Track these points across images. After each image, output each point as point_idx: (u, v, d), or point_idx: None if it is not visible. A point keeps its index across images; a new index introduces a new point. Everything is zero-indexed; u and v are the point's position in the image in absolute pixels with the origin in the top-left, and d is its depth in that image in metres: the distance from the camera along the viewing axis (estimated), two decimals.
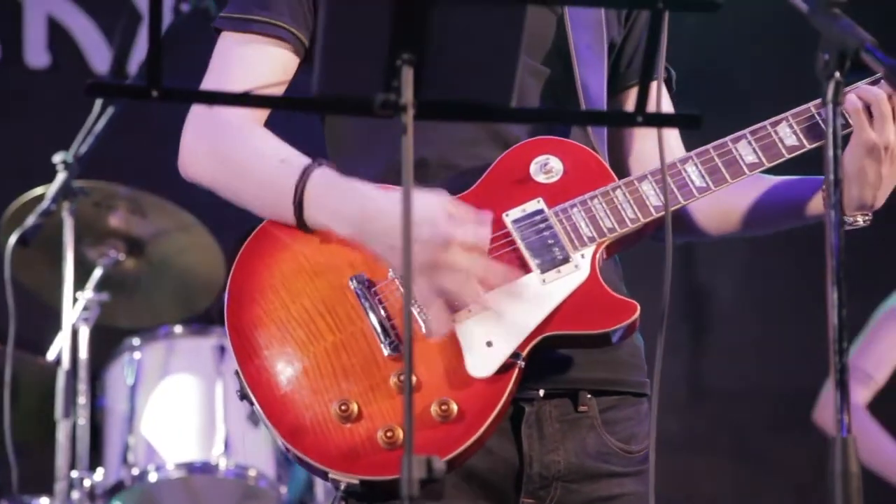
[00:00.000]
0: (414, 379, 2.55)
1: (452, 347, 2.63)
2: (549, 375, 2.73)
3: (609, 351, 2.76)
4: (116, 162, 5.89)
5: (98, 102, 5.21)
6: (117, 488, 5.34)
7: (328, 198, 2.65)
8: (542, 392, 2.74)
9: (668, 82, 2.95)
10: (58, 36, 7.04)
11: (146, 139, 6.40)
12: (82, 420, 5.22)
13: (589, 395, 2.78)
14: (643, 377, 2.86)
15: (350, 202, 2.63)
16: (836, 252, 2.13)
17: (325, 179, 2.66)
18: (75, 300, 5.24)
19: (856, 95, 2.72)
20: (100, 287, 5.43)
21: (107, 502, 5.31)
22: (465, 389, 2.61)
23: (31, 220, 5.03)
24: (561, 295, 2.65)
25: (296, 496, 5.68)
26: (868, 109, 2.72)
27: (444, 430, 2.59)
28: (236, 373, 2.66)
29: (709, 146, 2.77)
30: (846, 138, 2.73)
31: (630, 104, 2.96)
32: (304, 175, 2.66)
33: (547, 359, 2.68)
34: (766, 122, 2.78)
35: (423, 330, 2.64)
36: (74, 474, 5.17)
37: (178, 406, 5.51)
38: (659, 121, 2.43)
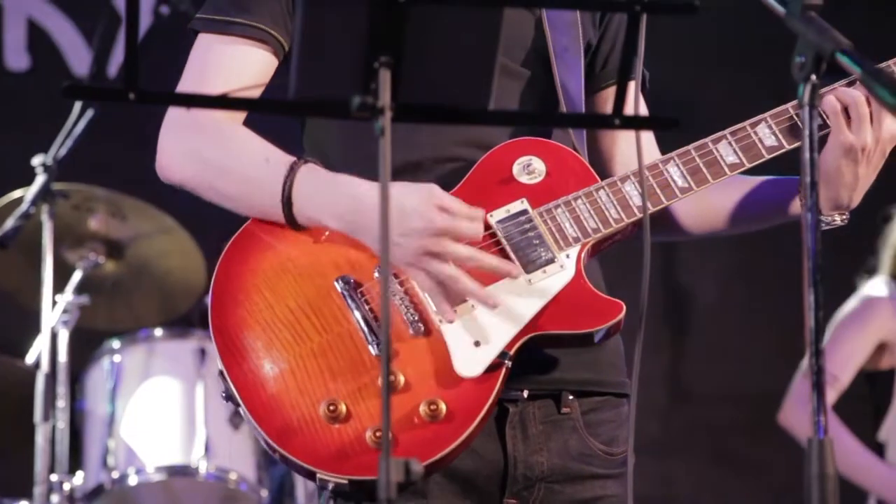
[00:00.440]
0: (402, 379, 2.57)
1: (440, 348, 2.64)
2: (533, 376, 2.74)
3: (591, 351, 2.77)
4: (96, 165, 5.88)
5: (77, 105, 5.20)
6: (97, 492, 5.32)
7: (317, 192, 2.65)
8: (526, 393, 2.75)
9: (641, 82, 2.96)
10: (37, 38, 7.02)
11: (126, 142, 6.38)
12: (62, 423, 5.21)
13: (571, 397, 2.79)
14: (624, 378, 2.87)
15: (340, 196, 2.64)
16: (812, 254, 2.14)
17: (314, 175, 2.67)
18: (54, 303, 5.23)
19: (834, 97, 2.73)
20: (79, 290, 5.41)
21: None
22: (453, 389, 2.62)
23: (9, 223, 5.01)
24: (547, 295, 2.67)
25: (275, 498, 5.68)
26: (846, 111, 2.73)
27: (432, 429, 2.60)
28: (221, 374, 2.66)
29: (690, 147, 2.78)
30: (824, 139, 2.74)
31: (606, 104, 2.97)
32: (292, 171, 2.66)
33: (531, 359, 2.69)
34: (745, 123, 2.79)
35: (411, 331, 2.65)
36: (54, 478, 5.15)
37: (158, 409, 5.50)
38: (636, 123, 2.44)
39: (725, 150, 2.77)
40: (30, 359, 5.36)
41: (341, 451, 2.58)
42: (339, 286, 2.67)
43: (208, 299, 2.70)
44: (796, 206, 2.87)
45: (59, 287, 5.26)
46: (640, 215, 2.72)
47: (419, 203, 2.59)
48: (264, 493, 5.48)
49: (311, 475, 2.61)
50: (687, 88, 6.73)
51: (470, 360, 2.62)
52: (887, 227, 5.42)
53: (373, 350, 2.63)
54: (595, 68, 2.97)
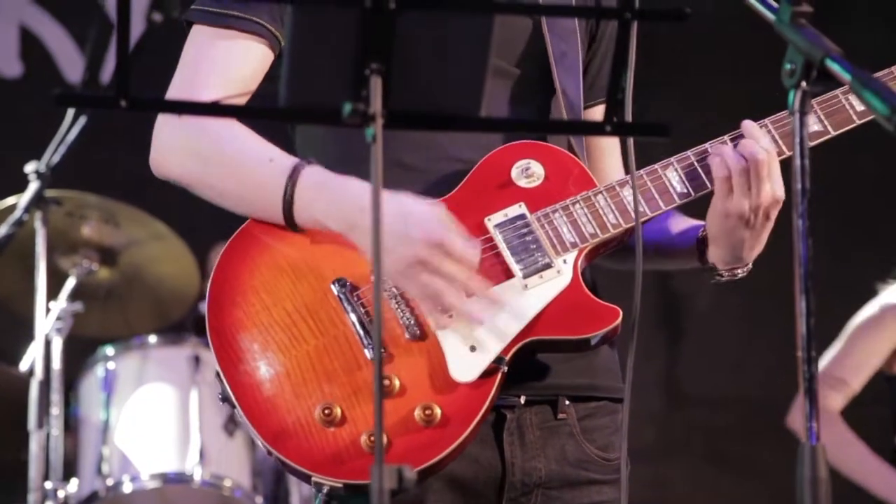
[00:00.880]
0: (397, 383, 2.57)
1: (436, 352, 2.63)
2: (529, 382, 2.73)
3: (587, 357, 2.78)
4: (89, 171, 5.87)
5: (70, 112, 5.20)
6: (91, 499, 5.32)
7: (319, 195, 2.65)
8: (522, 399, 2.74)
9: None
10: (30, 45, 7.02)
11: (119, 149, 6.39)
12: (56, 431, 5.20)
13: (567, 402, 2.79)
14: (620, 383, 2.86)
15: (341, 199, 2.63)
16: (804, 261, 2.13)
17: (316, 177, 2.66)
18: (48, 310, 5.23)
19: (721, 160, 2.71)
20: (73, 297, 5.41)
21: None
22: (448, 394, 2.61)
23: (2, 230, 5.01)
24: (544, 300, 2.66)
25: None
26: (729, 179, 2.71)
27: (427, 434, 2.59)
28: (217, 375, 2.65)
29: (689, 151, 2.78)
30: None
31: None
32: (295, 173, 2.66)
33: (527, 365, 2.69)
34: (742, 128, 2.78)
35: (407, 335, 2.65)
36: (48, 485, 5.14)
37: (152, 416, 5.50)
38: (627, 130, 2.43)
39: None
40: (24, 366, 5.35)
41: (336, 455, 2.58)
42: (335, 289, 2.67)
43: (205, 300, 2.69)
44: (692, 260, 2.86)
45: (52, 294, 5.26)
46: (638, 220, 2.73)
47: (422, 214, 2.59)
48: (259, 499, 5.48)
49: (306, 478, 2.61)
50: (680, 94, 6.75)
51: (465, 365, 2.62)
52: None
53: (368, 353, 2.62)
54: (585, 86, 2.97)
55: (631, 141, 2.69)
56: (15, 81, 7.01)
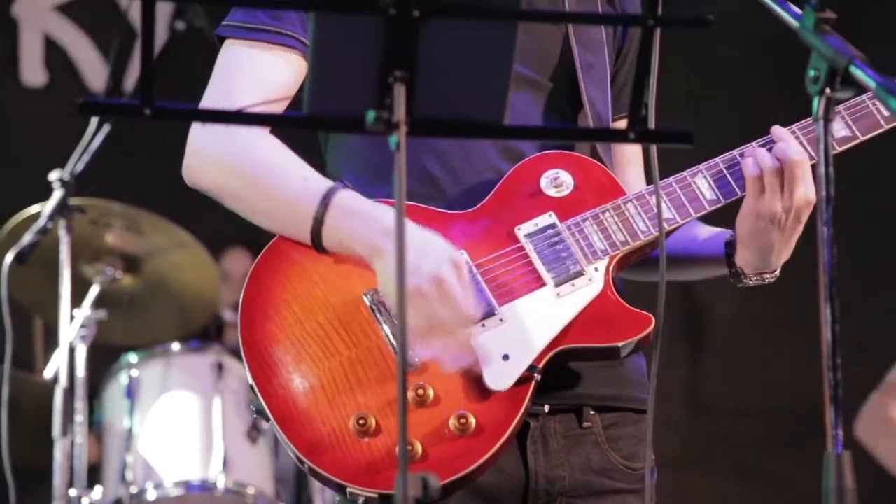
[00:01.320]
0: (431, 393, 2.57)
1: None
2: (554, 391, 2.73)
3: (613, 367, 2.77)
4: (113, 179, 5.89)
5: (94, 120, 5.21)
6: None
7: (349, 221, 2.65)
8: (547, 408, 2.75)
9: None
10: (54, 54, 7.05)
11: (142, 157, 6.42)
12: (80, 438, 5.21)
13: (592, 412, 2.79)
14: (645, 394, 2.85)
15: (371, 226, 2.63)
16: (828, 269, 2.13)
17: (348, 202, 2.66)
18: (72, 318, 5.23)
19: (753, 160, 2.72)
20: (97, 305, 5.41)
21: None
22: (482, 403, 2.61)
23: (27, 238, 5.02)
24: (576, 308, 2.67)
25: None
26: (762, 178, 2.72)
27: (462, 443, 2.59)
28: (251, 388, 2.66)
29: (717, 159, 2.78)
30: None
31: None
32: (328, 196, 2.66)
33: (552, 374, 2.68)
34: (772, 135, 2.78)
35: None
36: (73, 493, 5.15)
37: (176, 424, 5.51)
38: (651, 137, 2.43)
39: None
40: (48, 374, 5.36)
41: (371, 466, 2.58)
42: (367, 300, 2.67)
43: (238, 314, 2.70)
44: (719, 266, 2.87)
45: (76, 302, 5.26)
46: (668, 228, 2.73)
47: (440, 251, 2.59)
48: None
49: (341, 489, 2.60)
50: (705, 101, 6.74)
51: (499, 374, 2.62)
52: None
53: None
54: (612, 98, 2.96)
55: (654, 149, 2.68)
56: (39, 90, 7.05)
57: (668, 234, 2.74)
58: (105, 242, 5.55)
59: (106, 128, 5.20)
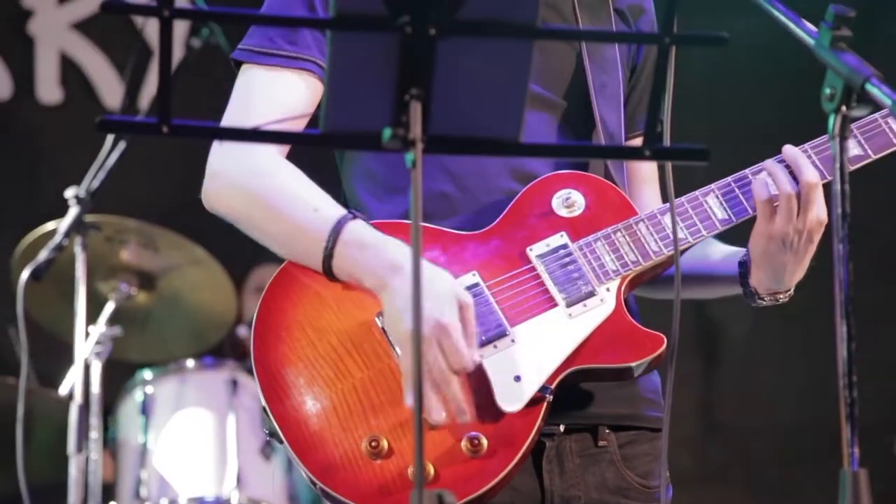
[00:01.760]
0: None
1: (481, 382, 2.62)
2: (570, 410, 2.73)
3: (627, 386, 2.77)
4: (128, 196, 5.91)
5: (110, 137, 5.23)
6: None
7: (359, 253, 2.64)
8: (562, 427, 2.74)
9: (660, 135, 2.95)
10: (70, 71, 7.07)
11: (158, 174, 6.43)
12: (95, 455, 5.22)
13: (608, 430, 2.79)
14: (660, 413, 2.85)
15: (379, 261, 2.62)
16: (844, 286, 2.13)
17: (357, 235, 2.65)
18: (87, 334, 5.24)
19: (763, 184, 2.72)
20: (112, 321, 5.43)
21: None
22: (494, 424, 2.61)
23: (42, 256, 5.03)
24: (588, 328, 2.66)
25: None
26: (772, 202, 2.71)
27: (474, 465, 2.59)
28: (264, 410, 2.65)
29: (729, 178, 2.78)
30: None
31: None
32: (338, 227, 2.65)
33: (567, 394, 2.68)
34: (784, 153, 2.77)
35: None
36: None
37: (190, 440, 5.52)
38: (667, 155, 2.43)
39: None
40: (63, 390, 5.38)
41: (384, 487, 2.58)
42: (379, 322, 2.66)
43: (251, 336, 2.70)
44: (733, 286, 2.86)
45: (91, 318, 5.28)
46: (681, 247, 2.73)
47: (447, 291, 2.56)
48: None
49: None
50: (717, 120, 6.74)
51: (511, 395, 2.61)
52: None
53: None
54: (625, 117, 2.96)
55: (669, 166, 2.68)
56: (55, 107, 7.06)
57: (681, 253, 2.74)
58: (120, 259, 5.57)
59: (121, 145, 5.22)
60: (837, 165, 2.15)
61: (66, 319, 5.23)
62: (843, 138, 2.15)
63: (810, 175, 2.69)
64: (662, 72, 2.18)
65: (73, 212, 5.13)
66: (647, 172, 3.02)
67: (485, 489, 2.57)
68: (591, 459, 2.77)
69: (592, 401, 2.76)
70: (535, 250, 2.72)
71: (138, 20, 6.94)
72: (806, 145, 2.78)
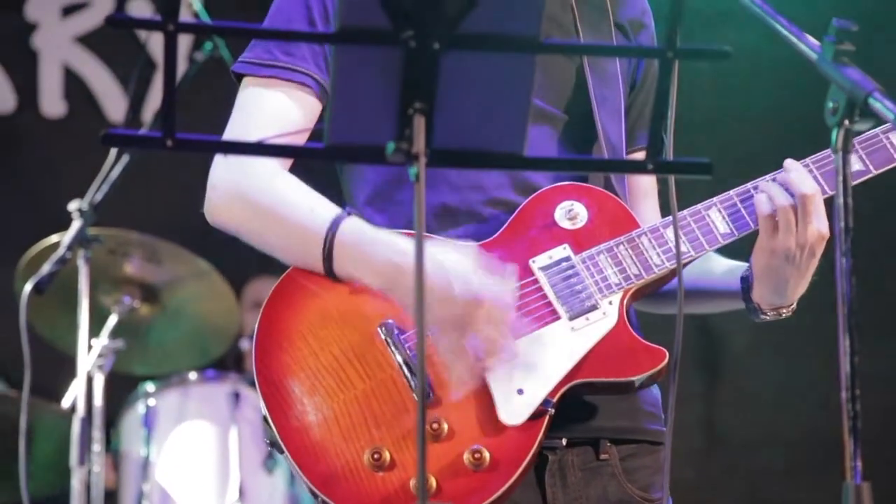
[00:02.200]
0: (446, 427, 2.56)
1: (484, 395, 2.63)
2: (572, 424, 2.73)
3: (628, 399, 2.77)
4: (131, 209, 5.91)
5: (113, 150, 5.23)
6: None
7: (358, 249, 2.65)
8: (564, 441, 2.74)
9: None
10: (73, 85, 7.08)
11: (161, 186, 6.44)
12: (97, 467, 5.22)
13: (609, 444, 2.79)
14: (661, 426, 2.86)
15: (379, 255, 2.63)
16: (847, 300, 2.13)
17: (355, 230, 2.67)
18: (90, 347, 5.25)
19: (766, 197, 2.72)
20: (115, 334, 5.43)
21: None
22: (497, 437, 2.61)
23: (45, 269, 5.03)
24: (590, 342, 2.67)
25: None
26: (774, 216, 2.72)
27: (477, 478, 2.59)
28: (265, 420, 2.66)
29: (731, 192, 2.78)
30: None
31: None
32: (334, 225, 2.66)
33: (569, 407, 2.68)
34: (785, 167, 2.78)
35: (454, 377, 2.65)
36: None
37: (193, 453, 5.52)
38: (669, 168, 2.43)
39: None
40: (66, 403, 5.38)
41: (386, 500, 2.58)
42: (381, 332, 2.67)
43: (252, 346, 2.70)
44: (736, 301, 2.87)
45: (94, 331, 5.28)
46: (683, 261, 2.72)
47: (459, 267, 2.57)
48: None
49: None
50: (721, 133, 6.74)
51: (514, 408, 2.61)
52: None
53: (416, 397, 2.61)
54: (626, 130, 2.97)
55: (672, 180, 2.68)
56: (59, 120, 7.07)
57: (683, 266, 2.74)
58: (123, 272, 5.57)
59: (125, 158, 5.23)
60: (840, 179, 2.16)
61: (69, 332, 5.24)
62: (846, 152, 2.15)
63: (806, 187, 2.69)
64: (665, 86, 2.18)
65: (76, 225, 5.13)
66: (646, 186, 3.02)
67: (487, 502, 2.57)
68: (592, 473, 2.78)
69: (594, 414, 2.76)
70: (537, 262, 2.73)
71: (142, 34, 6.96)
72: (807, 159, 2.78)
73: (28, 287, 4.97)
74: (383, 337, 2.66)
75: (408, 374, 2.64)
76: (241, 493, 5.38)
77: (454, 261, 2.59)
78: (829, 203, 2.69)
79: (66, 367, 5.35)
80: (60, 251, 5.09)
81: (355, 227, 2.67)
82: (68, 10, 7.16)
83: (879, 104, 2.12)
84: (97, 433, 5.21)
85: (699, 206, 2.78)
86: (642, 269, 2.73)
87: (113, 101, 7.09)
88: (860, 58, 2.20)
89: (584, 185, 2.81)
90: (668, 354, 2.67)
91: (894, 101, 2.14)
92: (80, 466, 5.03)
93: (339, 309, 2.69)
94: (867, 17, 5.20)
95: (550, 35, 2.86)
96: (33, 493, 5.07)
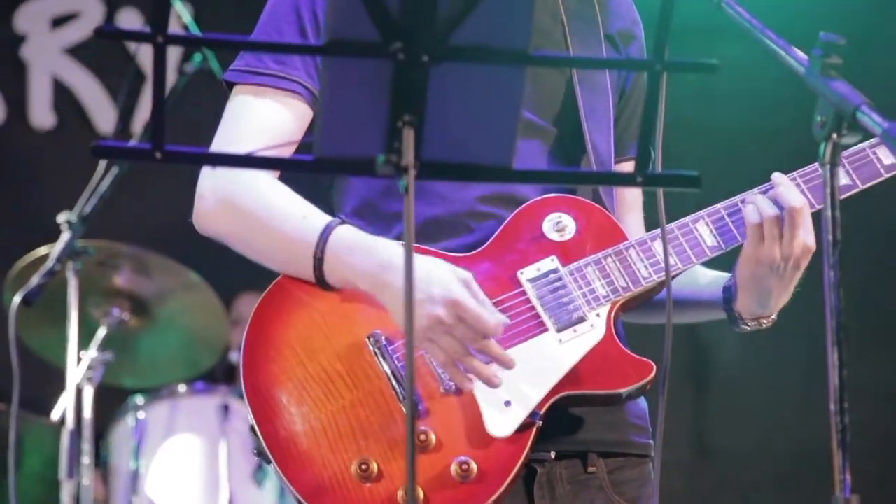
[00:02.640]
0: (433, 438, 2.56)
1: (471, 407, 2.63)
2: (560, 437, 2.73)
3: (615, 412, 2.77)
4: (121, 221, 5.91)
5: (102, 162, 5.23)
6: None
7: (348, 255, 2.65)
8: (553, 454, 2.74)
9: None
10: (63, 96, 7.08)
11: (150, 198, 6.43)
12: (87, 480, 5.20)
13: (597, 457, 2.79)
14: (648, 439, 2.86)
15: (370, 260, 2.63)
16: (835, 312, 2.13)
17: (347, 237, 2.67)
18: (79, 359, 5.24)
19: (754, 208, 2.72)
20: (104, 346, 5.42)
21: None
22: (484, 449, 2.61)
23: (35, 280, 5.02)
24: (578, 354, 2.67)
25: None
26: (762, 226, 2.72)
27: (464, 489, 2.59)
28: (252, 430, 2.65)
29: (719, 205, 2.78)
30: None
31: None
32: (326, 232, 2.66)
33: (557, 420, 2.68)
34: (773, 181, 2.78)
35: (443, 388, 2.64)
36: None
37: (182, 465, 5.51)
38: (658, 181, 2.43)
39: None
40: (55, 415, 5.36)
41: None
42: (370, 343, 2.67)
43: (240, 355, 2.69)
44: (718, 310, 2.87)
45: (84, 343, 5.27)
46: (670, 273, 2.73)
47: (445, 274, 2.58)
48: None
49: None
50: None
51: (501, 420, 2.61)
52: None
53: (404, 408, 2.61)
54: (614, 140, 2.97)
55: (661, 193, 2.69)
56: (48, 132, 7.07)
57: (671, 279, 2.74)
58: (113, 284, 5.56)
59: (114, 170, 5.22)
60: (828, 191, 2.16)
61: (58, 344, 5.23)
62: (834, 165, 2.15)
63: (795, 200, 2.70)
64: (654, 98, 2.18)
65: (65, 237, 5.12)
66: (631, 198, 3.03)
67: None
68: (580, 485, 2.77)
69: (581, 427, 2.76)
70: (525, 274, 2.73)
71: (131, 46, 6.96)
72: (794, 173, 2.79)
73: (17, 299, 4.96)
74: (371, 347, 2.66)
75: (395, 385, 2.64)
76: None
77: (440, 271, 2.59)
78: (816, 217, 2.70)
79: (55, 380, 5.34)
80: (49, 263, 5.08)
81: (346, 234, 2.67)
82: (57, 22, 7.16)
83: (867, 118, 2.12)
84: (86, 446, 5.20)
85: (687, 218, 2.78)
86: (630, 281, 2.73)
87: (102, 112, 7.09)
88: (853, 68, 2.20)
89: (573, 196, 2.81)
90: (655, 367, 2.67)
91: (884, 113, 2.14)
92: (69, 479, 5.02)
93: (327, 318, 2.69)
94: (860, 25, 5.21)
95: (540, 47, 2.87)
96: None
